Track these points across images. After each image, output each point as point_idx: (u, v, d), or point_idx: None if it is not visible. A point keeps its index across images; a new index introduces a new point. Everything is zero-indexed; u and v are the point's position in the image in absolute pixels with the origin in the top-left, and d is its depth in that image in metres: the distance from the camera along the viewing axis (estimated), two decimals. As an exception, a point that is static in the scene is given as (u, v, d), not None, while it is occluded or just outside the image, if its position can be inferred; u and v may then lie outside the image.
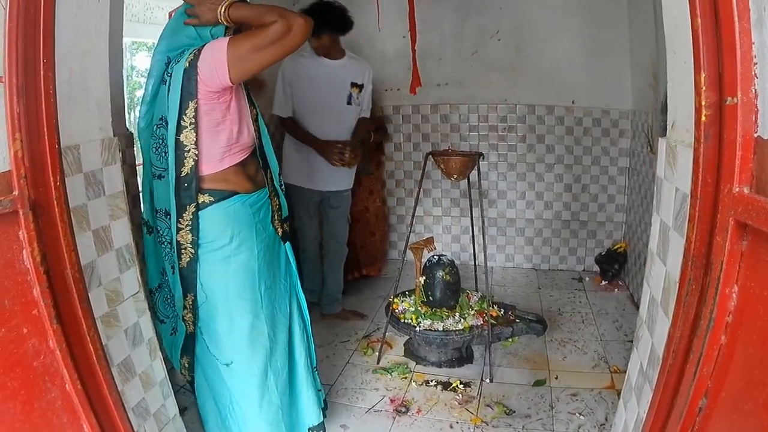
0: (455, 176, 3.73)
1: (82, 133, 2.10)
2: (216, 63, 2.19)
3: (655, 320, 1.88)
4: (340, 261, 4.56)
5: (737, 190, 1.24)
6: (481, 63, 5.36)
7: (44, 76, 1.67)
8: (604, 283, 5.16)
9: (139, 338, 2.38)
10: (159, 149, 2.34)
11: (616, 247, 5.21)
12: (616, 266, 5.12)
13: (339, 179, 4.27)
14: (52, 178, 1.70)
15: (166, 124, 2.28)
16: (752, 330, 1.23)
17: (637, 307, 4.28)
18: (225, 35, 2.30)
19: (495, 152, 5.47)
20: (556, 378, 3.65)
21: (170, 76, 2.26)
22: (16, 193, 1.57)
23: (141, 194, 2.55)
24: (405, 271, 4.06)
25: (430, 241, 3.78)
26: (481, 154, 3.78)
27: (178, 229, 2.35)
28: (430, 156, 3.82)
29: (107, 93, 2.25)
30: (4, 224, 1.56)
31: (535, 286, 5.24)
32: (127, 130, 2.90)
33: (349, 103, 4.17)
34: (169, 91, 2.26)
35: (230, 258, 2.44)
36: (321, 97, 4.08)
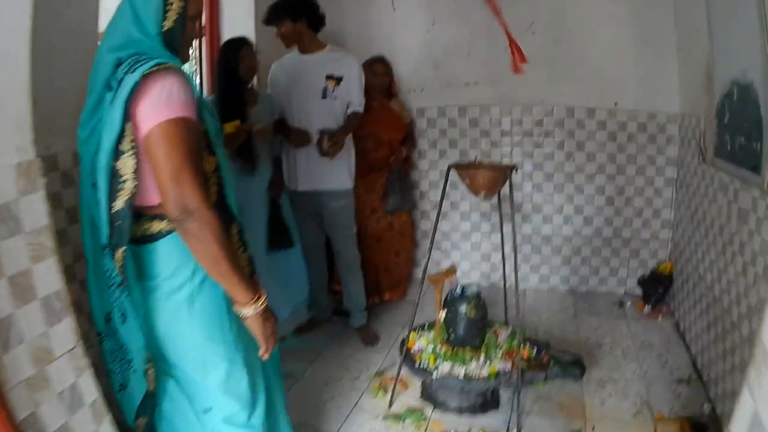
0: (483, 192, 3.25)
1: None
2: (141, 123, 1.86)
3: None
4: (348, 270, 4.32)
5: None
6: (516, 59, 4.94)
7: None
8: (647, 308, 4.72)
9: (78, 401, 2.09)
10: None
11: (661, 268, 4.78)
12: (661, 290, 4.69)
13: (322, 176, 4.04)
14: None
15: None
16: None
17: (684, 339, 4.14)
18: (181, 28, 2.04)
19: (530, 160, 5.07)
20: (593, 429, 3.23)
21: (119, 84, 1.87)
22: None
23: (81, 222, 2.17)
24: (428, 296, 3.58)
25: (451, 272, 3.34)
26: (514, 167, 3.30)
27: (117, 274, 1.99)
28: (453, 169, 3.35)
29: (27, 105, 1.93)
30: None
31: (571, 311, 4.79)
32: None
33: (324, 96, 3.96)
34: (112, 102, 1.87)
35: (194, 297, 2.08)
36: (297, 92, 4.01)
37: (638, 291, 4.94)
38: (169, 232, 2.01)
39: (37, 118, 2.01)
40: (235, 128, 3.48)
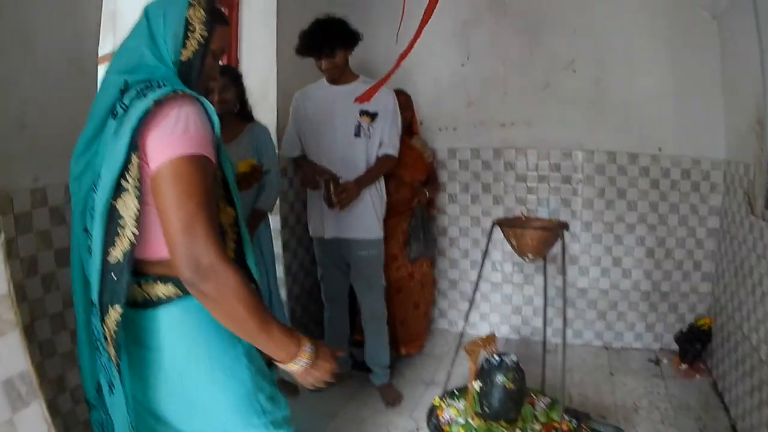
0: (530, 255, 3.00)
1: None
2: (150, 158, 1.60)
3: None
4: (372, 325, 3.99)
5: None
6: (554, 98, 4.71)
7: None
8: (683, 366, 4.45)
9: (54, 496, 1.79)
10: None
11: (699, 324, 4.51)
12: (699, 346, 4.43)
13: (351, 223, 3.72)
14: None
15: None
16: None
17: (722, 400, 3.91)
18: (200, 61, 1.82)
19: (567, 208, 4.80)
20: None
21: (125, 109, 1.63)
22: None
23: (71, 273, 1.89)
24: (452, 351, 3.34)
25: (490, 340, 3.04)
26: (565, 226, 3.05)
27: (104, 337, 1.67)
28: (497, 226, 3.13)
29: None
30: None
31: (606, 370, 4.51)
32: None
33: (357, 134, 3.61)
34: (117, 131, 1.61)
35: (214, 371, 1.78)
36: (326, 129, 3.66)
37: (674, 347, 4.66)
38: (177, 297, 1.73)
39: (25, 146, 1.91)
40: (250, 167, 3.21)
